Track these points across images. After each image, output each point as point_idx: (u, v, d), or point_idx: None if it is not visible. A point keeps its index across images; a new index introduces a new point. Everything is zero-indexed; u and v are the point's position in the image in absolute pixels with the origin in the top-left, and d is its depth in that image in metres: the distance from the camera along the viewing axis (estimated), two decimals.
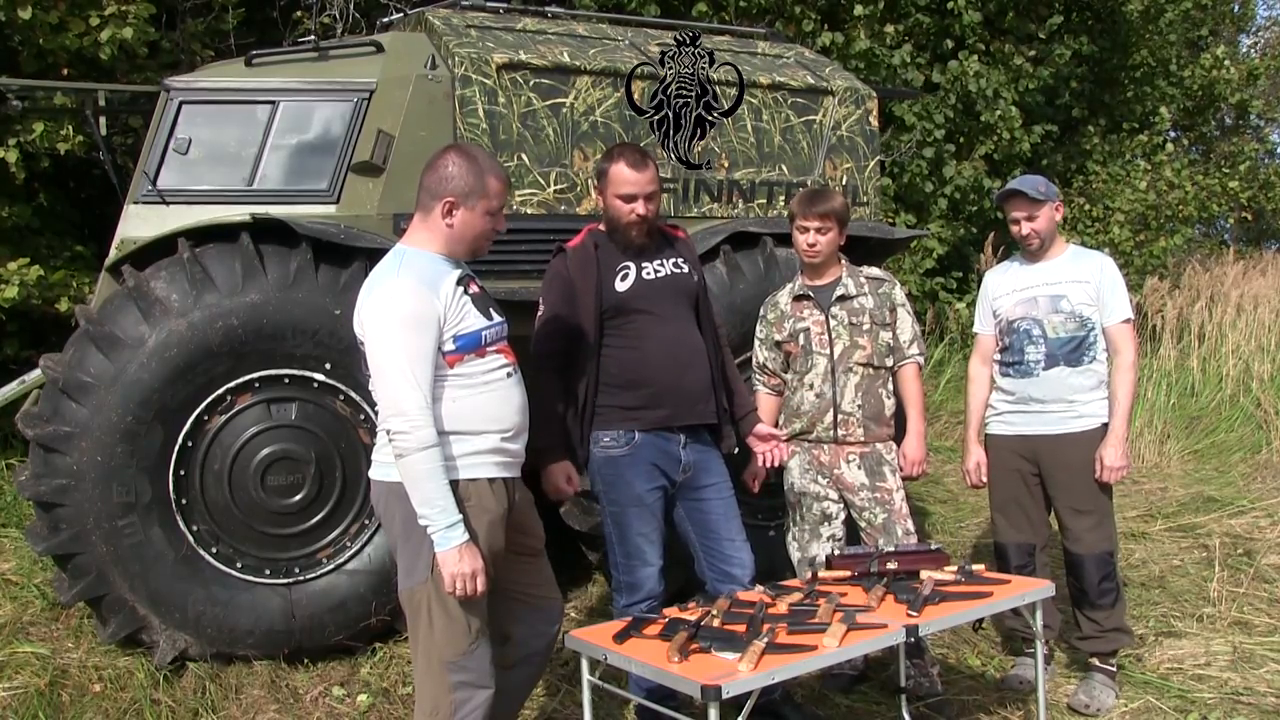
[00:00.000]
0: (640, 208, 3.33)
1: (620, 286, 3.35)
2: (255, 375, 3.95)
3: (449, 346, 2.76)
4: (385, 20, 5.67)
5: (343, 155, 4.23)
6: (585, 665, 2.87)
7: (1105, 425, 3.83)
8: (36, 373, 4.74)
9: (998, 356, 3.98)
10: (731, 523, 3.48)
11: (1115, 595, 3.86)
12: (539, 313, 3.41)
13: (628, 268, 3.38)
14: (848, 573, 3.27)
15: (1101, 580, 3.81)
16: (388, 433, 2.70)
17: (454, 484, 2.72)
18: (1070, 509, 3.85)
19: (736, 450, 3.63)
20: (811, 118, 4.97)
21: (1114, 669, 3.90)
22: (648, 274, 3.39)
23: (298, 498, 4.04)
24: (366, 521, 4.10)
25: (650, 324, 3.36)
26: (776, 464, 3.61)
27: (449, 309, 2.75)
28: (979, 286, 4.26)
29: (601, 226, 3.46)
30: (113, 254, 4.21)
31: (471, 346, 2.80)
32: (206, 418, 3.94)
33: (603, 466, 3.37)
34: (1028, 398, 3.86)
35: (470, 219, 2.83)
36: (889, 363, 3.85)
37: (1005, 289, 3.96)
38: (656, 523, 3.40)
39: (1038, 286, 3.87)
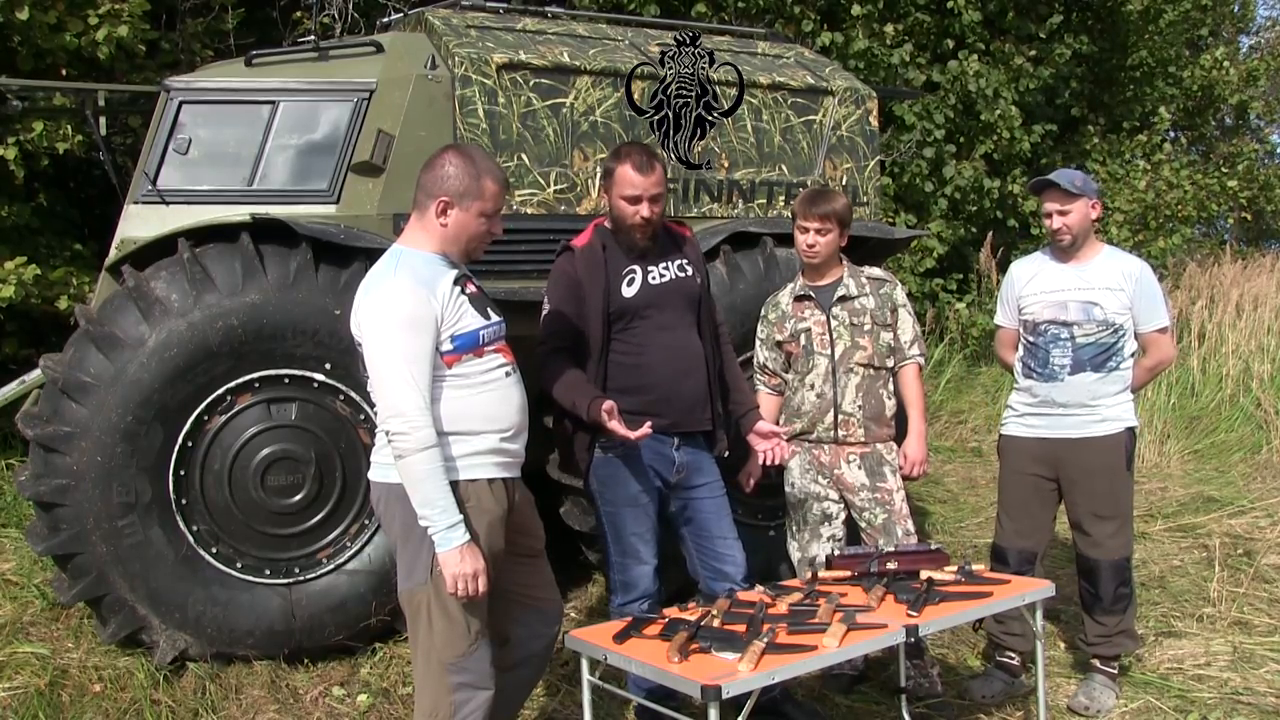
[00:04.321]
0: (644, 210, 3.31)
1: (627, 292, 3.35)
2: (255, 375, 3.95)
3: (447, 347, 2.76)
4: (385, 20, 5.67)
5: (343, 155, 4.22)
6: (585, 665, 2.87)
7: (1128, 429, 3.78)
8: (36, 373, 4.74)
9: (1021, 355, 3.92)
10: (723, 521, 3.49)
11: (1129, 601, 3.83)
12: (544, 310, 3.40)
13: (634, 271, 3.37)
14: (848, 573, 3.27)
15: (1118, 586, 3.78)
16: (387, 434, 2.70)
17: (453, 485, 2.71)
18: (1091, 514, 3.79)
19: (728, 454, 3.62)
20: (811, 118, 4.97)
21: (1115, 670, 3.89)
22: (653, 278, 3.39)
23: (298, 498, 4.04)
24: (366, 521, 4.09)
25: (653, 330, 3.36)
26: (777, 462, 3.58)
27: (446, 309, 2.75)
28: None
29: (608, 223, 3.45)
30: (113, 254, 4.20)
31: (469, 346, 2.79)
32: (206, 418, 3.94)
33: (598, 467, 3.37)
34: (1050, 401, 3.79)
35: (464, 220, 2.82)
36: (890, 363, 3.85)
37: (1035, 289, 3.85)
38: (651, 522, 3.41)
39: (1069, 291, 3.77)
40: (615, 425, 3.08)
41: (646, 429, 3.10)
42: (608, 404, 3.09)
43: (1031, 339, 3.86)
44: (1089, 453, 3.76)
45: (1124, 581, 3.80)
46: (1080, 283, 3.77)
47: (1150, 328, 3.78)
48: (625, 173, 3.31)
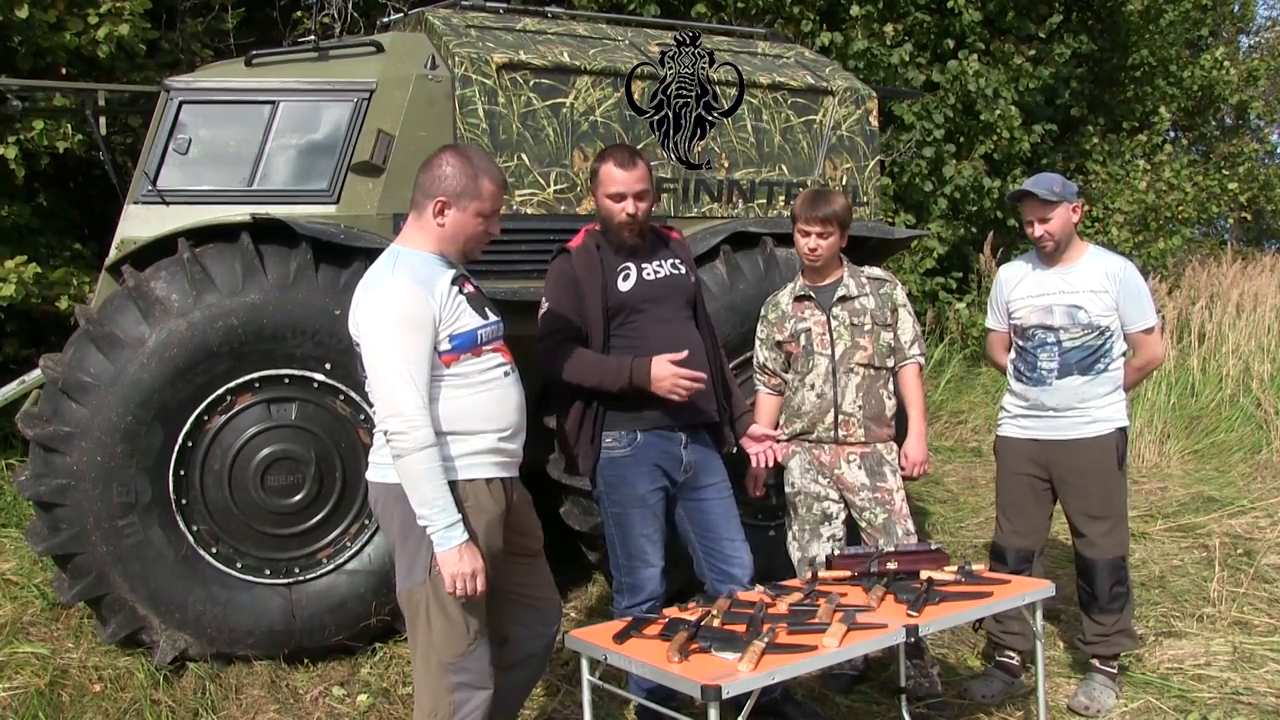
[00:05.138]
0: (630, 206, 3.33)
1: (623, 286, 3.36)
2: (255, 375, 3.95)
3: (445, 346, 2.76)
4: (385, 20, 5.67)
5: (343, 155, 4.22)
6: (585, 665, 2.86)
7: (1119, 430, 3.79)
8: (36, 373, 4.74)
9: (1012, 358, 3.93)
10: (731, 522, 3.49)
11: (1125, 600, 3.84)
12: (541, 312, 3.40)
13: (629, 268, 3.39)
14: (848, 573, 3.27)
15: (1113, 585, 3.78)
16: (385, 434, 2.70)
17: (452, 484, 2.71)
18: (1084, 514, 3.80)
19: (735, 450, 3.63)
20: (811, 118, 4.96)
21: (1115, 670, 3.89)
22: (648, 274, 3.41)
23: (298, 498, 4.04)
24: (366, 521, 4.09)
25: (651, 324, 3.37)
26: (771, 464, 3.61)
27: (444, 308, 2.75)
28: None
29: (598, 226, 3.47)
30: (113, 254, 4.20)
31: (467, 346, 2.79)
32: (206, 418, 3.94)
33: (605, 467, 3.37)
34: (1040, 404, 3.80)
35: (462, 220, 2.83)
36: (890, 363, 3.85)
37: (1021, 293, 3.87)
38: (659, 523, 3.41)
39: (1054, 295, 3.78)
40: (674, 371, 3.19)
41: (684, 353, 3.24)
42: (662, 355, 3.21)
43: (1020, 343, 3.88)
44: (1080, 453, 3.77)
45: (1119, 580, 3.80)
46: (1065, 286, 3.78)
47: (1137, 328, 3.78)
48: (608, 170, 3.34)
